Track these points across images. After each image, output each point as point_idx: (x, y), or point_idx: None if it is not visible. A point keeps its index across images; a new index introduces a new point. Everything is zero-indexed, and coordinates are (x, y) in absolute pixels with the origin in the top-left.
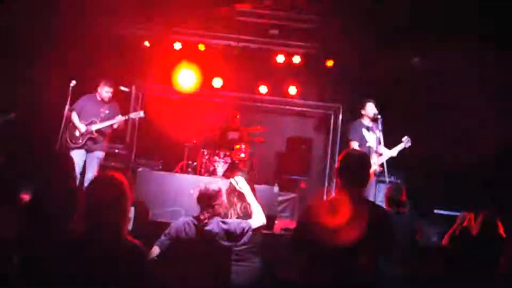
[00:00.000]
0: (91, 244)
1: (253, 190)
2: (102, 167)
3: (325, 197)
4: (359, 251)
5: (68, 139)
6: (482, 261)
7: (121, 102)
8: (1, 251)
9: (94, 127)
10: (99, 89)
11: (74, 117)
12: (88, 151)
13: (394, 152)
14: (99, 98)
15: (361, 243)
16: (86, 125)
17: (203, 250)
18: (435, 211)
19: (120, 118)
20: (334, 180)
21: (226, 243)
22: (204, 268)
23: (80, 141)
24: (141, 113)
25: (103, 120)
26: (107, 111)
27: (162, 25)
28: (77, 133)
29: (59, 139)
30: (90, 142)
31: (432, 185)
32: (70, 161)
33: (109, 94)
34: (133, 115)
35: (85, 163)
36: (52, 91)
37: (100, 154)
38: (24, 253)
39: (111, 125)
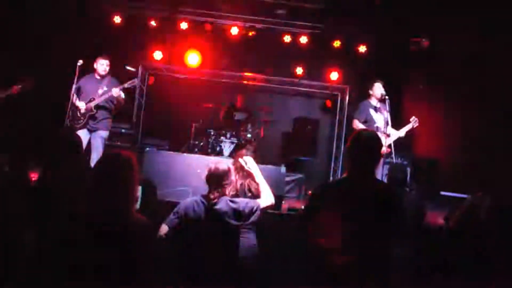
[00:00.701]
0: (99, 222)
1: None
2: (108, 146)
3: (331, 178)
4: (369, 233)
5: (71, 121)
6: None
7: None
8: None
9: (93, 104)
10: (95, 66)
11: (73, 97)
12: (91, 130)
13: (401, 132)
14: (97, 76)
15: (372, 225)
16: (86, 103)
17: (211, 229)
18: (442, 193)
19: (115, 90)
20: (341, 161)
21: (234, 222)
22: (212, 246)
23: (82, 120)
24: (135, 81)
25: (102, 95)
26: (105, 87)
27: (168, 4)
28: (78, 113)
29: (66, 120)
30: (91, 121)
31: (440, 167)
32: (78, 140)
33: (105, 67)
34: (127, 84)
35: (89, 143)
36: (60, 72)
37: (103, 133)
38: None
39: (111, 101)
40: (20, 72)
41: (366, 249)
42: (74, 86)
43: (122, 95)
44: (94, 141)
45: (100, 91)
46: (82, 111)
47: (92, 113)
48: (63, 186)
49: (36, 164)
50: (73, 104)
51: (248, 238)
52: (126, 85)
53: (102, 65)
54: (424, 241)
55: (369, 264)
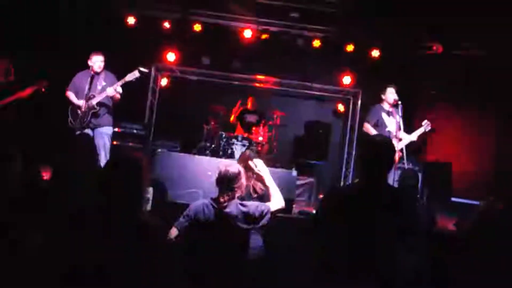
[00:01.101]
0: (109, 222)
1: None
2: (119, 147)
3: (342, 183)
4: (381, 239)
5: (72, 121)
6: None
7: (140, 83)
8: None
9: (94, 101)
10: (89, 62)
11: (71, 96)
12: (94, 128)
13: (413, 136)
14: (92, 72)
15: (383, 231)
16: (86, 100)
17: (221, 232)
18: (453, 199)
19: (110, 90)
20: (353, 166)
21: (244, 226)
22: (221, 250)
23: (85, 119)
24: (136, 73)
25: (101, 91)
26: (104, 83)
27: (182, 6)
28: (79, 112)
29: (69, 120)
30: (94, 119)
31: (451, 173)
32: (91, 141)
33: (100, 63)
34: (128, 77)
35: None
36: (72, 72)
37: (108, 129)
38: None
39: (113, 95)
40: (33, 73)
41: (377, 254)
42: (70, 85)
43: (120, 90)
44: (99, 139)
45: (99, 87)
46: (84, 109)
47: (95, 110)
48: (74, 185)
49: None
50: (73, 103)
51: (254, 240)
52: (127, 79)
53: (97, 62)
54: (434, 247)
55: (379, 270)
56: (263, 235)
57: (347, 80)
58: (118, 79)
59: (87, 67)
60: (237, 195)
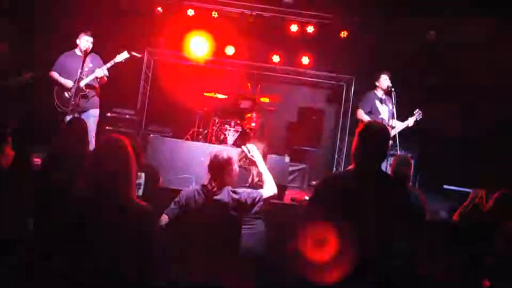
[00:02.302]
0: (98, 207)
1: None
2: (111, 131)
3: (334, 169)
4: (375, 226)
5: (59, 104)
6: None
7: (132, 68)
8: (16, 216)
9: (82, 83)
10: (78, 41)
11: (57, 76)
12: (82, 111)
13: (410, 122)
14: (79, 53)
15: (378, 217)
16: (74, 83)
17: (212, 220)
18: (445, 186)
19: (99, 71)
20: (345, 152)
21: (236, 213)
22: (212, 237)
23: (73, 102)
24: (125, 54)
25: (89, 73)
26: (90, 64)
27: None
28: (66, 95)
29: (55, 102)
30: (82, 101)
31: (444, 160)
32: (83, 124)
33: (89, 44)
34: (117, 58)
35: None
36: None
37: (95, 112)
38: (38, 217)
39: (101, 77)
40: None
41: (372, 241)
42: (55, 65)
43: (107, 73)
44: (86, 121)
45: (85, 69)
46: (73, 91)
47: (84, 92)
48: (65, 171)
49: (39, 148)
50: (60, 84)
51: (256, 225)
52: (116, 60)
53: (86, 42)
54: (426, 234)
55: (372, 258)
56: (264, 219)
57: (340, 66)
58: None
59: (74, 47)
60: (229, 181)
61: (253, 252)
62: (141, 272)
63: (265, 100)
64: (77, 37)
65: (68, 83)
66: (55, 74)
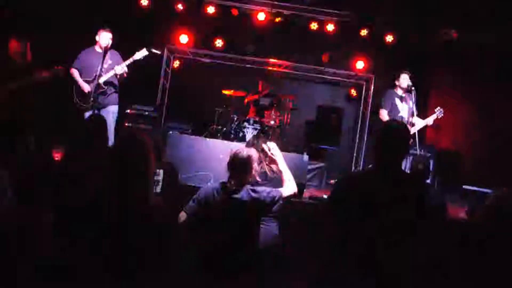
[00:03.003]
0: (115, 203)
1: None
2: (130, 128)
3: (353, 168)
4: (395, 226)
5: (78, 101)
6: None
7: (152, 65)
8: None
9: (101, 80)
10: (97, 38)
11: (77, 76)
12: (101, 107)
13: (429, 120)
14: (98, 50)
15: (398, 218)
16: (92, 79)
17: (231, 218)
18: (464, 186)
19: (119, 68)
20: (364, 151)
21: (255, 212)
22: (231, 236)
23: (92, 98)
24: (145, 51)
25: (108, 70)
26: (109, 61)
27: None
28: (86, 91)
29: (75, 98)
30: (101, 97)
31: (463, 160)
32: (102, 120)
33: (109, 41)
34: (136, 55)
35: None
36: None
37: (114, 108)
38: (58, 210)
39: (121, 74)
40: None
41: (390, 241)
42: (75, 62)
43: (126, 69)
44: (106, 118)
45: (105, 66)
46: (92, 87)
47: (103, 89)
48: (85, 166)
49: (60, 144)
50: (79, 82)
51: (270, 226)
52: (135, 57)
53: (106, 38)
54: (445, 235)
55: (391, 258)
56: (279, 221)
57: (360, 64)
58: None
59: (93, 44)
60: (248, 180)
61: (264, 253)
62: (155, 269)
63: (285, 98)
64: (96, 33)
65: (86, 86)
66: (75, 73)
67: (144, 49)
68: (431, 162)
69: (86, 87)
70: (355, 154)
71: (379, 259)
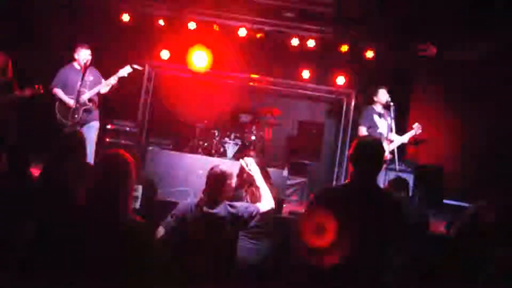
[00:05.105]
0: (95, 219)
1: (266, 172)
2: (111, 144)
3: (334, 183)
4: (367, 240)
5: (62, 119)
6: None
7: (133, 81)
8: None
9: (85, 97)
10: (76, 56)
11: (60, 93)
12: (84, 124)
13: (404, 138)
14: (77, 67)
15: (370, 232)
16: (76, 97)
17: (208, 234)
18: (445, 201)
19: (110, 81)
20: (345, 166)
21: (232, 228)
22: (208, 252)
23: (76, 116)
24: (128, 68)
25: (90, 87)
26: (91, 78)
27: (177, 4)
28: (69, 108)
29: (57, 116)
30: (85, 114)
31: (444, 175)
32: (81, 136)
33: (88, 57)
34: (120, 72)
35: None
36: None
37: (96, 124)
38: (37, 222)
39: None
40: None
41: (363, 255)
42: (55, 81)
43: (113, 83)
44: (88, 134)
45: (88, 82)
46: (75, 104)
47: (88, 106)
48: (64, 182)
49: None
50: (63, 101)
51: (249, 242)
52: (119, 74)
53: (85, 54)
54: (425, 249)
55: (365, 270)
56: (257, 237)
57: (341, 80)
58: (108, 76)
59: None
60: (224, 196)
61: (256, 267)
62: (136, 284)
63: (265, 113)
64: (74, 51)
65: (71, 102)
66: (58, 91)
67: (128, 66)
68: (411, 177)
69: (71, 102)
70: (336, 169)
71: (354, 270)
